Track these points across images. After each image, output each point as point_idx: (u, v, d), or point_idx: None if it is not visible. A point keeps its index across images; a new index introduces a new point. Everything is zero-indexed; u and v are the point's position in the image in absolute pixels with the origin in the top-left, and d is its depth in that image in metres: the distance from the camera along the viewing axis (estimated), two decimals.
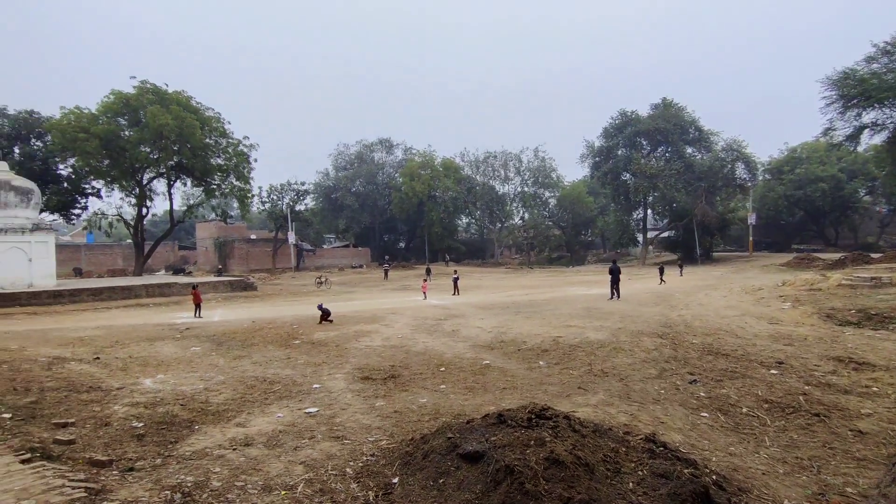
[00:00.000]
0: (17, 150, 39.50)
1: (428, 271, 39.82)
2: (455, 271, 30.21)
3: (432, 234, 61.92)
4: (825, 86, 31.98)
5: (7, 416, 6.69)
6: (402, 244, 73.54)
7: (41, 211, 32.34)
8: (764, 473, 5.73)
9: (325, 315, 16.45)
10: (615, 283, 21.06)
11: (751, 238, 53.04)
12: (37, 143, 40.36)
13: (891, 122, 32.04)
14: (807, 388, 8.60)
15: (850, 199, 54.15)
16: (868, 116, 32.12)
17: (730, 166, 49.49)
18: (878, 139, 34.42)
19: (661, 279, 29.02)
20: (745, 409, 7.81)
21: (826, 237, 58.39)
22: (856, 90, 30.58)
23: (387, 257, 59.17)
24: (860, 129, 32.83)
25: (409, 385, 8.96)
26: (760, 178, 55.81)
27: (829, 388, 8.61)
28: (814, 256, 39.60)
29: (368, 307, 20.77)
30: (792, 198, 54.25)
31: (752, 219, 51.39)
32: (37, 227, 27.60)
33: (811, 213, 56.56)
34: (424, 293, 24.71)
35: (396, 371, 9.88)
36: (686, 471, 4.70)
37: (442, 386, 8.91)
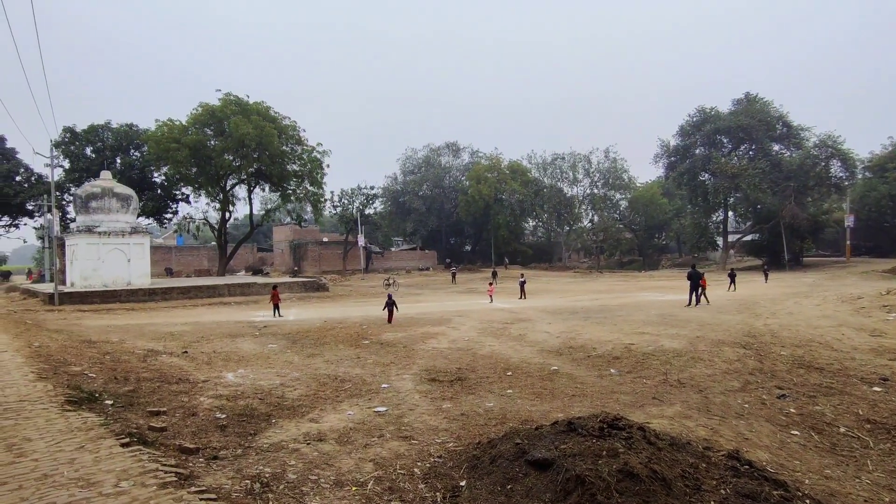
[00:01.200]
0: (118, 161, 43.49)
1: (494, 274, 39.67)
2: (522, 275, 29.87)
3: (498, 238, 61.62)
4: None
5: (109, 402, 7.33)
6: (468, 247, 73.76)
7: (138, 215, 35.33)
8: (866, 501, 5.20)
9: (392, 307, 17.04)
10: (694, 290, 20.02)
11: (848, 242, 48.51)
12: (135, 154, 44.27)
13: None
14: None
15: None
16: None
17: (823, 164, 45.57)
18: None
19: (732, 285, 26.99)
20: (842, 429, 7.14)
21: None
22: None
23: (448, 260, 59.53)
24: None
25: (476, 388, 8.94)
26: (860, 176, 50.98)
27: None
28: None
29: (435, 309, 20.98)
30: None
31: (849, 221, 46.97)
32: (134, 231, 30.17)
33: None
34: (491, 296, 24.62)
35: (463, 374, 9.89)
36: (775, 492, 4.35)
37: (509, 390, 8.81)
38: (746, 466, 4.90)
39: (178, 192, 45.14)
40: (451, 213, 67.11)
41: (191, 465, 5.19)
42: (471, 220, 63.49)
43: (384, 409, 7.64)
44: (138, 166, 43.10)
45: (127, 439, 5.56)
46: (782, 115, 47.96)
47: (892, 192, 49.20)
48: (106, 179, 30.95)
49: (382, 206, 66.07)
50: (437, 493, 4.73)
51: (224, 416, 7.08)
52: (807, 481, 5.45)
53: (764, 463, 5.51)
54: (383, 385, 9.07)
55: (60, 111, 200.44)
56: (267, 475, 5.05)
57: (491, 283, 28.05)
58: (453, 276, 44.37)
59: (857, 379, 9.19)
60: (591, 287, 33.82)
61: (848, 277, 34.29)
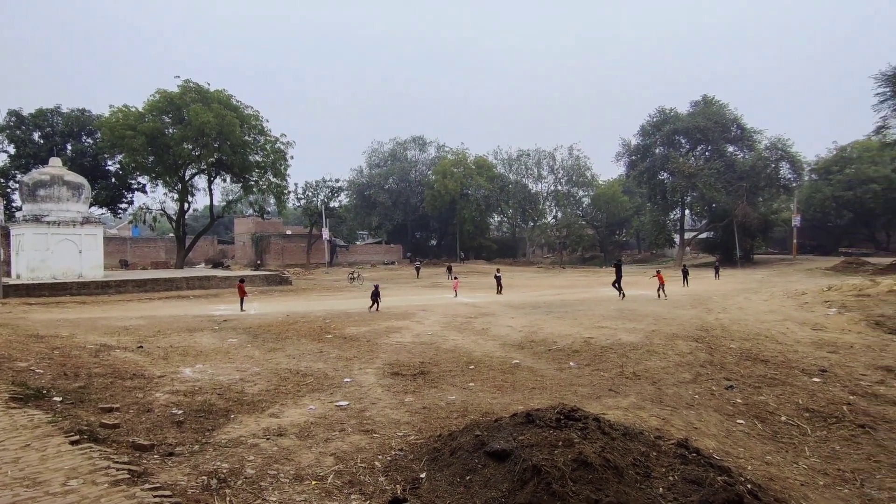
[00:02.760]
0: (69, 147, 41.51)
1: (449, 269, 39.96)
2: (498, 269, 29.90)
3: (464, 232, 61.94)
4: (878, 82, 30.47)
5: (58, 399, 7.06)
6: (433, 242, 73.85)
7: (90, 205, 33.85)
8: (802, 484, 5.54)
9: (377, 297, 18.66)
10: (618, 281, 21.48)
11: (795, 240, 51.00)
12: (88, 140, 42.33)
13: None
14: (851, 397, 8.25)
15: None
16: None
17: (773, 166, 47.68)
18: None
19: (685, 281, 28.13)
20: (784, 418, 7.55)
21: (877, 241, 55.65)
22: None
23: (410, 255, 59.51)
24: None
25: (439, 382, 9.02)
26: (806, 178, 53.57)
27: (875, 399, 8.24)
28: (863, 260, 37.81)
29: (400, 304, 20.97)
30: (840, 199, 51.88)
31: (796, 220, 49.36)
32: (87, 221, 28.89)
33: (861, 215, 53.97)
34: (455, 291, 24.78)
35: (426, 367, 9.96)
36: (719, 478, 4.58)
37: (471, 384, 8.93)
38: (694, 454, 5.14)
39: (133, 182, 43.42)
40: (417, 207, 67.02)
41: (145, 462, 5.08)
42: (437, 214, 63.60)
43: (346, 403, 7.63)
44: (91, 153, 41.24)
45: (77, 437, 5.39)
46: (737, 118, 49.85)
47: (835, 194, 51.91)
48: (56, 166, 29.49)
49: (348, 200, 65.41)
50: (398, 486, 4.78)
51: (181, 411, 6.93)
52: (749, 467, 5.75)
53: (711, 450, 5.79)
54: (346, 379, 9.05)
55: (4, 94, 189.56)
56: (224, 471, 4.99)
57: (456, 278, 28.20)
58: (417, 270, 44.42)
59: (799, 370, 9.72)
60: (554, 282, 34.44)
61: (794, 274, 36.05)
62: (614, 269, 22.56)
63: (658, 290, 21.50)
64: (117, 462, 4.78)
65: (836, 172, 52.90)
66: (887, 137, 33.55)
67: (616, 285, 21.54)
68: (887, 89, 30.34)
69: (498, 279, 26.54)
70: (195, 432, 6.18)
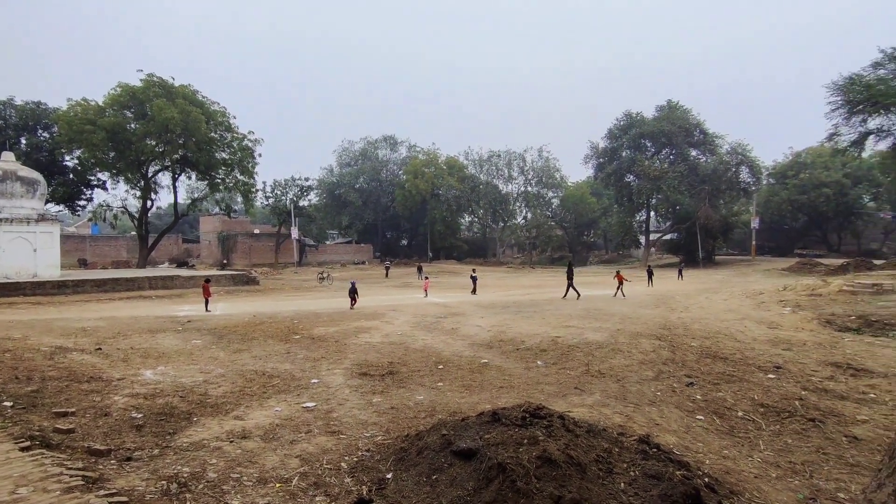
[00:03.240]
0: (23, 141, 39.75)
1: (419, 269, 40.09)
2: (474, 270, 29.90)
3: (435, 233, 61.99)
4: (831, 91, 31.80)
5: (8, 404, 6.77)
6: (404, 242, 73.67)
7: (47, 202, 32.52)
8: (756, 477, 5.76)
9: (354, 294, 19.61)
10: (570, 282, 22.05)
11: (754, 242, 52.94)
12: (43, 135, 40.57)
13: None
14: (803, 392, 8.62)
15: (854, 205, 54.02)
16: (873, 122, 31.93)
17: (734, 170, 49.41)
18: (883, 145, 34.25)
19: (649, 281, 29.03)
20: (740, 413, 7.83)
21: (829, 243, 58.21)
22: (862, 96, 30.40)
23: (378, 254, 59.27)
24: (865, 134, 32.65)
25: (407, 382, 9.01)
26: (764, 182, 55.69)
27: (825, 394, 8.62)
28: (816, 262, 39.52)
29: (369, 304, 20.84)
30: (796, 202, 54.11)
31: (755, 223, 51.27)
32: (42, 218, 27.75)
33: (814, 218, 56.40)
34: (426, 291, 24.77)
35: (395, 368, 9.93)
36: (678, 472, 4.72)
37: (439, 383, 8.95)
38: (655, 450, 5.29)
39: (93, 178, 41.81)
40: (388, 206, 66.72)
41: (101, 467, 4.92)
42: (407, 214, 63.44)
43: (313, 404, 7.56)
44: (47, 148, 39.52)
45: (27, 443, 5.18)
46: (699, 123, 51.41)
47: (791, 198, 54.09)
48: (8, 161, 28.20)
49: (318, 199, 64.61)
50: (364, 487, 4.76)
51: (140, 415, 6.74)
52: (707, 461, 5.95)
53: (671, 446, 5.96)
54: (313, 380, 8.95)
55: None
56: (185, 475, 4.88)
57: (427, 278, 28.18)
58: (387, 270, 44.23)
59: (755, 367, 10.09)
60: (524, 282, 34.81)
61: (752, 275, 37.38)
62: (566, 271, 23.13)
63: (616, 290, 22.09)
64: (71, 468, 4.61)
65: (792, 177, 55.12)
66: (838, 144, 35.03)
67: (570, 285, 21.86)
68: (838, 98, 31.68)
69: (474, 279, 26.54)
70: (155, 436, 6.02)
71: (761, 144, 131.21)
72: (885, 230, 57.83)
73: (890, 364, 10.14)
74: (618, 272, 23.50)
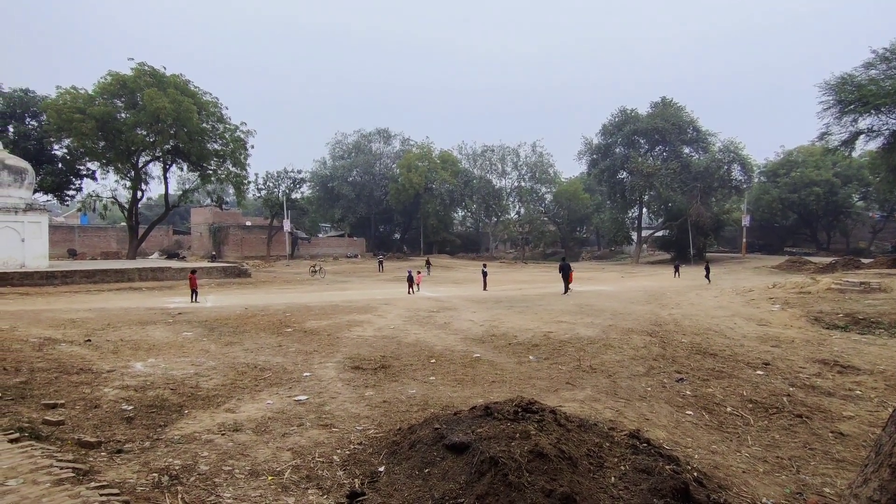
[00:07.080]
0: (11, 129, 39.20)
1: (428, 263, 40.01)
2: (484, 265, 29.52)
3: (428, 226, 61.92)
4: (823, 90, 32.04)
5: None
6: (397, 235, 73.54)
7: (35, 191, 32.11)
8: (744, 472, 5.83)
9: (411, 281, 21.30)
10: (566, 280, 22.45)
11: (744, 240, 53.36)
12: (32, 123, 40.04)
13: (886, 129, 32.18)
14: (791, 389, 8.72)
15: (844, 204, 54.56)
16: (864, 122, 32.24)
17: (726, 167, 49.74)
18: (874, 145, 34.63)
19: (707, 278, 29.75)
20: (729, 409, 7.92)
21: (818, 241, 58.82)
22: (853, 96, 30.66)
23: (373, 248, 59.18)
24: (856, 134, 32.96)
25: (399, 376, 9.02)
26: (756, 180, 56.11)
27: (812, 390, 8.74)
28: (805, 260, 39.90)
29: (362, 297, 20.81)
30: (786, 201, 54.58)
31: (746, 220, 51.69)
32: (30, 207, 27.43)
33: (804, 216, 56.95)
34: (418, 285, 24.77)
35: (387, 361, 9.94)
36: (668, 467, 4.77)
37: (432, 377, 8.97)
38: (645, 444, 5.34)
39: (82, 168, 41.36)
40: (381, 200, 66.52)
41: (91, 459, 4.89)
42: (401, 208, 63.33)
43: (305, 397, 7.55)
44: (35, 137, 39.00)
45: (16, 434, 5.14)
46: (693, 121, 51.64)
47: (781, 196, 54.54)
48: None
49: (310, 191, 64.31)
50: (356, 480, 4.77)
51: (131, 407, 6.70)
52: (696, 456, 6.02)
53: (661, 441, 6.02)
54: (305, 373, 8.94)
55: None
56: (177, 467, 4.86)
57: (419, 272, 28.16)
58: (380, 264, 44.15)
59: (744, 364, 10.20)
60: (516, 277, 34.90)
61: (743, 272, 37.70)
62: (559, 268, 23.44)
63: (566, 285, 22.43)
64: (61, 460, 4.58)
65: (783, 175, 55.59)
66: (829, 144, 35.35)
67: (566, 283, 22.37)
68: (830, 98, 31.91)
69: (485, 274, 26.05)
70: (146, 428, 5.99)
71: (753, 142, 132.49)
72: (873, 229, 58.50)
73: (876, 361, 10.29)
74: (570, 269, 23.32)
